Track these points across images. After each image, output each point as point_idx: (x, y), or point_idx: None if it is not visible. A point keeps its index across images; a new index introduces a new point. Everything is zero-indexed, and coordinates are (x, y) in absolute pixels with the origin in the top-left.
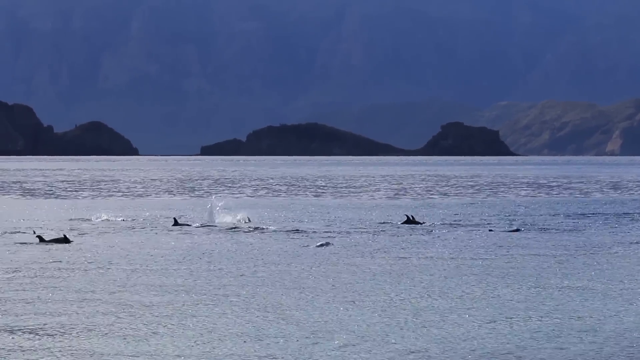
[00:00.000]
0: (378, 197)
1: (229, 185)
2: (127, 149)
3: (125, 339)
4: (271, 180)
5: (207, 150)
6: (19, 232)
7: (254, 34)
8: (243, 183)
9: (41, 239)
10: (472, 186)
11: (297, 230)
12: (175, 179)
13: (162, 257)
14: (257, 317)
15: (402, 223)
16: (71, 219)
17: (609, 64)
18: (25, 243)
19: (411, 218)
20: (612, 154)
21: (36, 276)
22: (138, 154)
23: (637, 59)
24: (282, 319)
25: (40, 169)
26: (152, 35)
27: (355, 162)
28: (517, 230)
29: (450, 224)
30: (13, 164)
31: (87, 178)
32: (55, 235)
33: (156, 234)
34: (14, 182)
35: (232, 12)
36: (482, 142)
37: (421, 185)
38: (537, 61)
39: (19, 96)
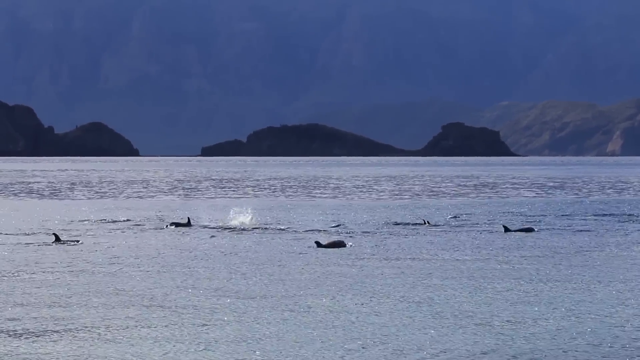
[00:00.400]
0: (387, 197)
1: (236, 185)
2: (127, 149)
3: (150, 340)
4: (278, 181)
5: (207, 151)
6: (34, 232)
7: (255, 34)
8: (249, 183)
9: (57, 238)
10: (476, 185)
11: (308, 231)
12: (180, 180)
13: (177, 257)
14: (281, 318)
15: (415, 224)
16: (79, 220)
17: (610, 64)
18: (40, 243)
19: (426, 222)
20: (612, 154)
21: (56, 276)
22: (139, 155)
23: (638, 59)
24: (303, 319)
25: (43, 170)
26: (152, 35)
27: (358, 163)
28: (531, 229)
29: (462, 224)
30: (14, 164)
31: (91, 179)
32: (69, 236)
33: (169, 234)
34: (18, 183)
35: (232, 12)
36: (483, 142)
37: (427, 186)
38: (538, 61)
39: (20, 97)
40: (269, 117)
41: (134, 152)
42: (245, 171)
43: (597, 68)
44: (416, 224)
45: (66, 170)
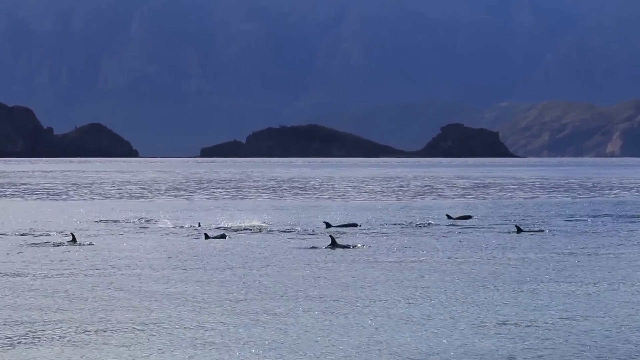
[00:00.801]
0: (394, 198)
1: (242, 187)
2: (127, 150)
3: (173, 340)
4: (282, 182)
5: (206, 152)
6: (47, 233)
7: (254, 34)
8: (253, 185)
9: (74, 238)
10: (481, 186)
11: (315, 231)
12: (184, 181)
13: (190, 260)
14: (308, 321)
15: (426, 224)
16: (88, 221)
17: (609, 65)
18: (55, 243)
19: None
20: (612, 155)
21: (75, 277)
22: (138, 156)
23: (637, 59)
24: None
25: (44, 171)
26: (152, 36)
27: (358, 164)
28: (541, 230)
29: (474, 225)
30: (14, 165)
31: (94, 179)
32: (83, 237)
33: (182, 237)
34: (19, 184)
35: (231, 12)
36: (482, 143)
37: (433, 186)
38: (537, 62)
39: (19, 97)
40: (268, 117)
41: (133, 153)
42: (252, 172)
43: (596, 69)
44: (428, 224)
45: (68, 171)
